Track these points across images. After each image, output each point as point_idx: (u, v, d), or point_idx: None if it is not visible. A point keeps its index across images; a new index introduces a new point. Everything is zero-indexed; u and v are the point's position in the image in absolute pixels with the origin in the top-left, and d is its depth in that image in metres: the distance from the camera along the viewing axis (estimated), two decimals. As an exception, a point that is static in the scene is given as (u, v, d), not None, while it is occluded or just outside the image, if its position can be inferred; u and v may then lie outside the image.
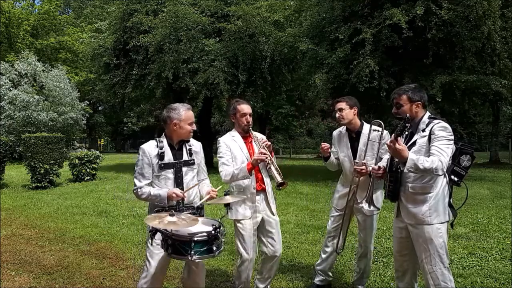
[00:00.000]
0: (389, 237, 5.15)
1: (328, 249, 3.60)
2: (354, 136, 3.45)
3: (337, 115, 3.45)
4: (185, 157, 2.87)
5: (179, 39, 12.63)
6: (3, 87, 19.00)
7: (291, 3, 14.23)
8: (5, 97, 18.71)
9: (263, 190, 3.30)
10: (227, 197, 2.75)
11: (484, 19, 9.88)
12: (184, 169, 2.83)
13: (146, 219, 2.45)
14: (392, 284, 3.66)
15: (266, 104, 19.43)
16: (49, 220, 6.87)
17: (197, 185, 2.92)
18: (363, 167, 3.18)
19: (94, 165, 11.87)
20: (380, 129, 3.30)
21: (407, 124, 2.47)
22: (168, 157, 2.80)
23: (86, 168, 11.72)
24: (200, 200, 2.91)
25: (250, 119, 3.27)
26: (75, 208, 7.88)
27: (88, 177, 11.73)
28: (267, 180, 3.33)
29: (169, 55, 12.43)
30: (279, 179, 3.09)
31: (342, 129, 3.55)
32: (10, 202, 8.70)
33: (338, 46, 10.76)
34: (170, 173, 2.79)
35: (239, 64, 12.70)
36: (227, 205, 2.77)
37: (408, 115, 2.62)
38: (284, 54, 12.88)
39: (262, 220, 3.30)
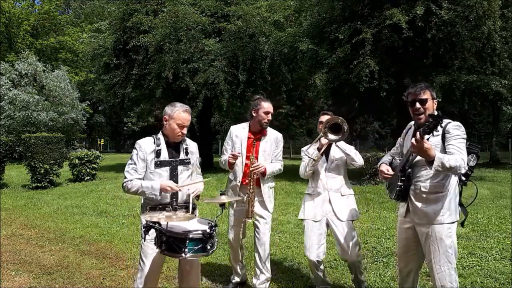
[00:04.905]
0: (389, 237, 5.15)
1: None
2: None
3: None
4: (182, 155, 2.84)
5: (179, 39, 12.62)
6: (3, 87, 19.00)
7: (291, 3, 14.21)
8: (5, 97, 18.71)
9: (258, 186, 3.46)
10: (223, 197, 2.74)
11: (484, 19, 9.88)
12: (179, 167, 2.80)
13: (143, 215, 2.44)
14: (392, 284, 3.65)
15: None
16: (49, 220, 6.87)
17: (195, 183, 2.88)
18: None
19: (94, 165, 11.88)
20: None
21: (440, 122, 2.25)
22: (165, 154, 2.77)
23: (86, 168, 11.73)
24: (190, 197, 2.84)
25: (270, 118, 3.43)
26: (75, 208, 7.88)
27: (88, 177, 11.74)
28: (265, 183, 3.49)
29: (169, 55, 12.42)
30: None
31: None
32: (10, 202, 8.71)
33: (338, 46, 10.75)
34: (165, 171, 2.76)
35: (239, 64, 12.69)
36: (222, 205, 2.75)
37: (436, 112, 2.49)
38: (284, 54, 12.88)
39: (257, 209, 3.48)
